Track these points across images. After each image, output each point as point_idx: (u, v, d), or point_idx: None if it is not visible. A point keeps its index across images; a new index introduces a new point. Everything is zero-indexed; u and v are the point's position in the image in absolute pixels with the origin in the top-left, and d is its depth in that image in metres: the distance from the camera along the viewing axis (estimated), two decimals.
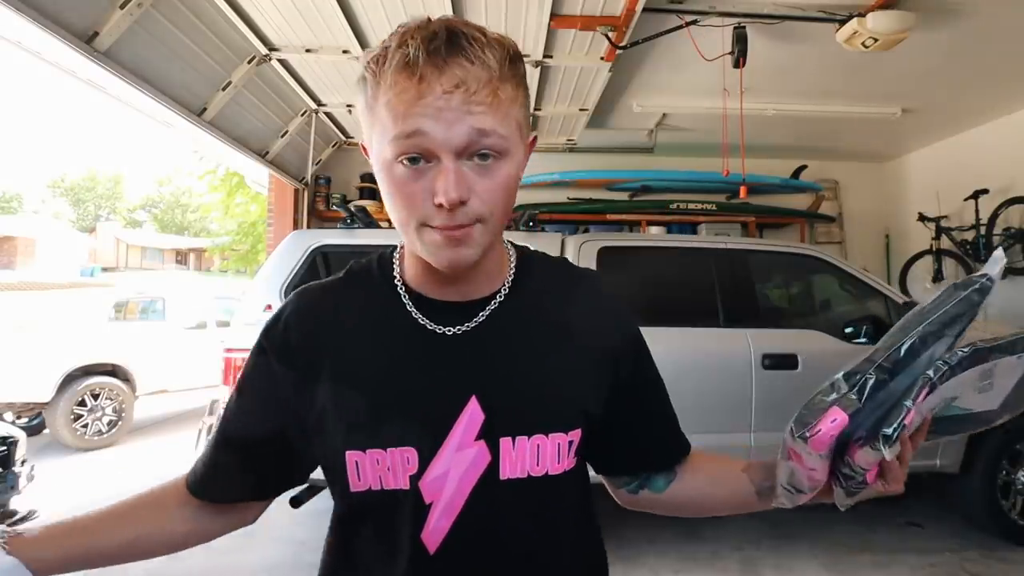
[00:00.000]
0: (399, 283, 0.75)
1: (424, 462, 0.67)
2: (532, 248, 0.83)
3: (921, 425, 0.61)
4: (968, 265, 5.24)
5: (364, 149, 0.69)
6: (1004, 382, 0.60)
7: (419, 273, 0.73)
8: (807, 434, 0.58)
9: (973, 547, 3.26)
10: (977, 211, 5.12)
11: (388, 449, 0.67)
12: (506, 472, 0.68)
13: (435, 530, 0.67)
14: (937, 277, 5.36)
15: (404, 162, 0.61)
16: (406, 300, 0.73)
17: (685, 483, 0.81)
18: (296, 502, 3.00)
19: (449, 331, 0.71)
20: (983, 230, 5.06)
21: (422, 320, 0.72)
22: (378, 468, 0.68)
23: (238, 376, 0.77)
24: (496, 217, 0.65)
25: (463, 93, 0.58)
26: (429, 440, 0.67)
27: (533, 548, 0.70)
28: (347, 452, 0.68)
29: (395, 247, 0.79)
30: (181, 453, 5.61)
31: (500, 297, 0.74)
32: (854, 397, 0.56)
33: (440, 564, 0.67)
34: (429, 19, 0.62)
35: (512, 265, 0.77)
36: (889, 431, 0.55)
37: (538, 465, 0.69)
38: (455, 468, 0.67)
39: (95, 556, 0.69)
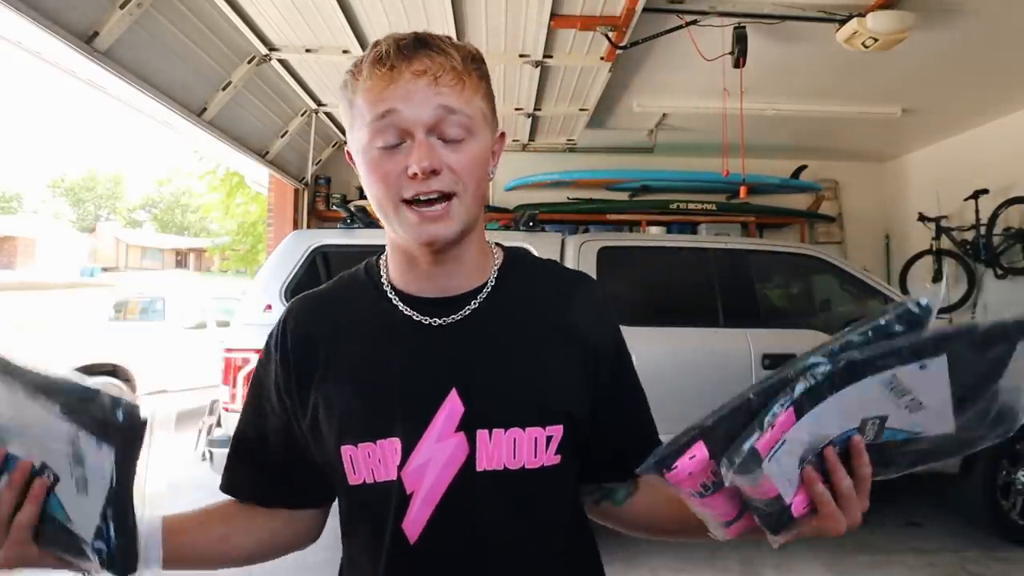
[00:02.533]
0: (385, 282, 0.77)
1: (407, 452, 0.69)
2: (526, 248, 0.85)
3: (854, 453, 0.56)
4: (968, 265, 5.24)
5: (349, 156, 0.73)
6: (933, 398, 0.54)
7: (402, 270, 0.76)
8: (664, 473, 0.53)
9: (973, 547, 3.26)
10: (977, 211, 5.11)
11: (378, 441, 0.69)
12: (482, 463, 0.68)
13: (415, 520, 0.68)
14: (937, 277, 5.34)
15: (379, 146, 0.66)
16: (391, 295, 0.76)
17: (643, 498, 0.79)
18: None
19: (434, 322, 0.73)
20: (983, 230, 5.05)
21: (407, 311, 0.74)
22: (370, 461, 0.70)
23: (250, 382, 0.82)
24: (470, 193, 0.68)
25: (430, 77, 0.65)
26: (412, 430, 0.69)
27: (512, 541, 0.70)
28: (341, 447, 0.71)
29: (381, 253, 0.82)
30: (181, 452, 5.61)
31: (485, 292, 0.76)
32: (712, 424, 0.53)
33: (420, 554, 0.68)
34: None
35: (496, 263, 0.79)
36: (734, 456, 0.50)
37: (515, 459, 0.69)
38: (435, 458, 0.68)
39: (191, 552, 0.72)
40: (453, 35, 3.66)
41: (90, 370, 5.80)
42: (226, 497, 0.80)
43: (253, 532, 0.78)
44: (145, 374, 6.29)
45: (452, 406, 0.69)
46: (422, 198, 0.66)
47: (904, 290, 5.35)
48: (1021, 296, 4.90)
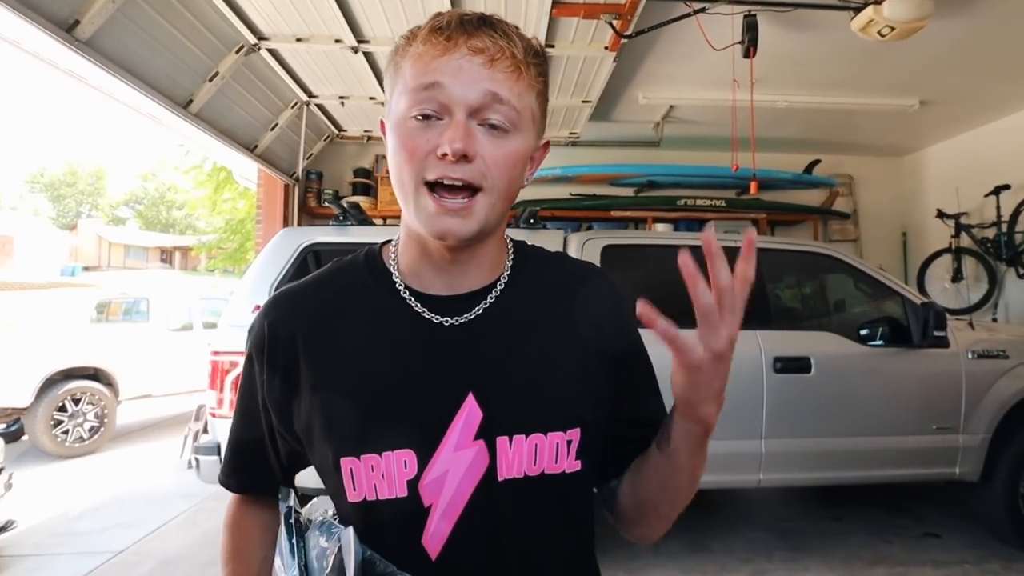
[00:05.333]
0: (394, 273, 0.72)
1: (422, 464, 0.65)
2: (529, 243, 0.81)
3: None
4: (989, 264, 5.20)
5: (382, 126, 0.69)
6: None
7: (413, 262, 0.72)
8: None
9: (993, 558, 3.19)
10: (998, 207, 5.07)
11: (384, 453, 0.65)
12: (503, 472, 0.66)
13: (435, 534, 0.65)
14: (956, 276, 5.33)
15: (417, 117, 0.62)
16: (401, 289, 0.71)
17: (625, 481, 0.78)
18: None
19: (447, 321, 0.69)
20: (1004, 227, 5.03)
21: (418, 308, 0.69)
22: (373, 475, 0.65)
23: (239, 383, 0.79)
24: (498, 191, 0.64)
25: (486, 58, 0.61)
26: (427, 441, 0.65)
27: (532, 549, 0.67)
28: (341, 459, 0.66)
29: (386, 241, 0.78)
30: (166, 460, 5.49)
31: (499, 289, 0.72)
32: None
33: (442, 570, 0.65)
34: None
35: (510, 258, 0.76)
36: None
37: (535, 465, 0.66)
38: (454, 469, 0.65)
39: None
40: None
41: (71, 373, 5.77)
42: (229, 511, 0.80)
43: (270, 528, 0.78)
44: (128, 378, 6.21)
45: (469, 412, 0.66)
46: (446, 182, 0.61)
47: (922, 290, 5.31)
48: None
